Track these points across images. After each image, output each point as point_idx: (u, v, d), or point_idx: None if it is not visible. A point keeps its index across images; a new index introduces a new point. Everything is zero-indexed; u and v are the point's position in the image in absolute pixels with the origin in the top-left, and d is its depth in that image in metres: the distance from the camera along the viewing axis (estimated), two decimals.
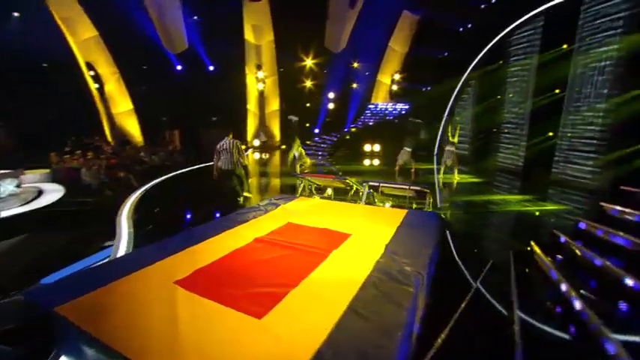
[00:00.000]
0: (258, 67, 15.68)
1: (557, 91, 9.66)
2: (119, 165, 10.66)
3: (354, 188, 5.92)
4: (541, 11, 9.40)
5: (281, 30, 14.70)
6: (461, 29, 12.21)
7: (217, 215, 5.99)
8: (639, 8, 7.37)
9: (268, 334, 2.29)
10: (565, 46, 9.35)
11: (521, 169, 10.54)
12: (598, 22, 8.32)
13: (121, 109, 14.67)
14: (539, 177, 9.48)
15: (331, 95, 17.39)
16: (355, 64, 16.80)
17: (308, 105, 18.07)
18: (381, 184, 5.72)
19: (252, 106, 16.75)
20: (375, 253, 3.65)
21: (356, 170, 10.94)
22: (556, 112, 9.39)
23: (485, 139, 12.14)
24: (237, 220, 4.67)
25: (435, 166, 11.96)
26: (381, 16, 14.58)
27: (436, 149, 14.59)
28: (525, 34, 10.17)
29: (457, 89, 13.25)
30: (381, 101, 16.88)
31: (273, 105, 16.93)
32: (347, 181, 5.73)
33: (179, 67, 15.69)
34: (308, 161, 9.07)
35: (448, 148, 9.36)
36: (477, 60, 11.82)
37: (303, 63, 16.47)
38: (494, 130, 12.03)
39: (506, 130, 11.32)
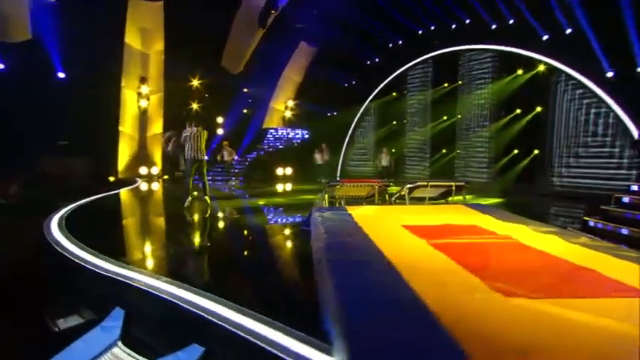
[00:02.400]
0: (142, 81, 12.73)
1: (444, 117, 12.43)
2: None
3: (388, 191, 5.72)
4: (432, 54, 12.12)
5: (175, 40, 12.59)
6: (368, 62, 14.04)
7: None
8: (499, 57, 10.69)
9: None
10: (446, 84, 12.29)
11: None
12: (472, 62, 11.40)
13: None
14: None
15: (224, 119, 16.04)
16: (248, 89, 16.23)
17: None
18: (430, 183, 5.74)
19: (127, 127, 13.25)
20: (527, 231, 3.68)
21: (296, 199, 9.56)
22: (450, 135, 12.04)
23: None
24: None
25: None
26: (280, 43, 14.86)
27: (338, 172, 15.66)
28: (422, 70, 12.69)
29: (358, 116, 14.86)
30: (274, 126, 16.79)
31: (156, 127, 13.96)
32: (389, 183, 5.50)
33: (2, 66, 10.78)
34: None
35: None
36: (377, 91, 13.77)
37: (195, 81, 14.60)
38: (394, 150, 14.13)
39: (410, 153, 13.48)
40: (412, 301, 1.99)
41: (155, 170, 12.90)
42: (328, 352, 1.96)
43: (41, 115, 10.74)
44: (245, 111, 16.50)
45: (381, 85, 13.50)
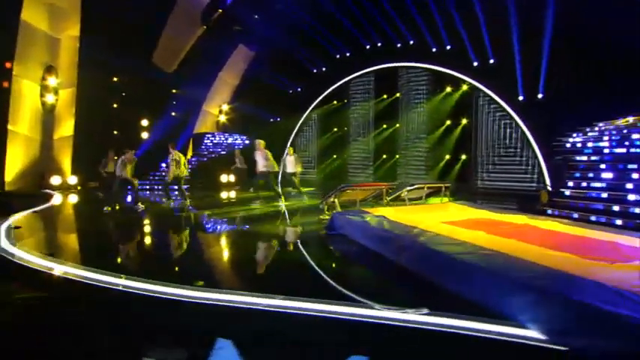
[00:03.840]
0: (49, 70, 10.31)
1: (384, 125, 13.53)
2: None
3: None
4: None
5: (95, 25, 10.62)
6: (315, 70, 14.19)
7: None
8: (432, 75, 12.18)
9: None
10: (385, 96, 13.44)
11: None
12: (409, 75, 12.63)
13: None
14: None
15: (151, 122, 14.26)
16: (181, 90, 14.80)
17: (116, 132, 13.70)
18: (427, 185, 6.17)
19: (23, 126, 10.53)
20: (532, 220, 4.40)
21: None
22: (391, 143, 13.13)
23: (332, 165, 14.51)
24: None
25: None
26: (218, 44, 13.99)
27: (279, 179, 15.44)
28: (366, 80, 13.34)
29: (299, 123, 14.95)
30: (207, 131, 15.66)
31: (67, 128, 11.50)
32: (393, 185, 5.86)
33: None
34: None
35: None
36: (320, 98, 14.12)
37: (118, 77, 12.60)
38: (335, 156, 14.69)
39: (355, 159, 14.12)
40: (572, 279, 2.22)
41: (73, 180, 10.50)
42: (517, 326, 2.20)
43: None
44: (173, 114, 14.91)
45: (325, 93, 13.92)
